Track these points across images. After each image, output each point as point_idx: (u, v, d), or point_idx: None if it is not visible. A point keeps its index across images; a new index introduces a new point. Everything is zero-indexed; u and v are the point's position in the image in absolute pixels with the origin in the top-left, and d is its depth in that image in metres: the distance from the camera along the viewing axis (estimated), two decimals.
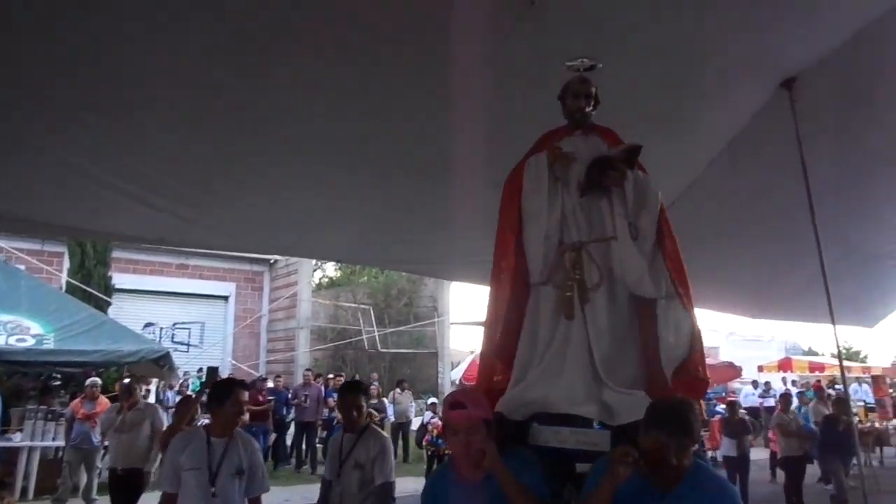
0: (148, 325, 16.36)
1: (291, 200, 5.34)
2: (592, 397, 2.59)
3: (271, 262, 19.71)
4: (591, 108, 3.09)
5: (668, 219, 2.98)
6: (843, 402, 8.95)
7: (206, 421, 4.08)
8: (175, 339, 16.93)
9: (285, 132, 4.64)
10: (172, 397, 12.34)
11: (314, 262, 19.17)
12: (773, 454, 11.57)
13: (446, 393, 12.24)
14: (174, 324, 17.62)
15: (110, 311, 13.10)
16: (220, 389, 3.57)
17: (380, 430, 3.89)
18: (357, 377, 16.11)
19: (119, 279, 15.59)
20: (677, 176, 6.16)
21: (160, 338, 15.99)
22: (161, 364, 8.07)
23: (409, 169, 5.28)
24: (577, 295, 2.73)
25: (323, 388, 13.40)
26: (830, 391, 13.20)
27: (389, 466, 3.67)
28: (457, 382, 18.09)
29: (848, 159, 6.67)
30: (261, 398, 12.11)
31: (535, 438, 2.40)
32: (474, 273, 7.39)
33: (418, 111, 4.69)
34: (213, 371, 4.73)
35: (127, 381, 8.05)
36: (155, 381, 11.59)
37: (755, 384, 17.57)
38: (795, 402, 12.88)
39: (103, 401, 8.88)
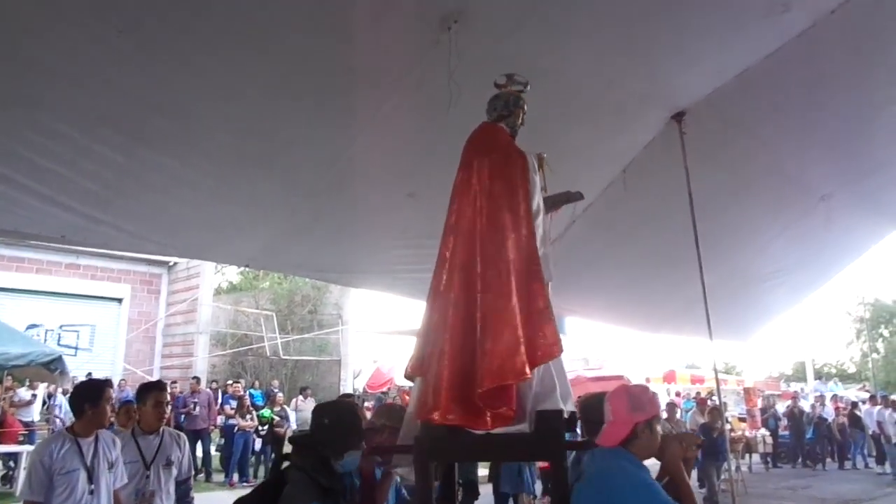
0: (32, 326, 15.40)
1: (201, 204, 5.31)
2: None
3: (170, 264, 18.98)
4: None
5: None
6: (717, 411, 9.69)
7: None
8: (62, 342, 15.94)
9: (195, 137, 4.63)
10: (64, 404, 11.58)
11: (216, 265, 18.66)
12: None
13: None
14: (61, 325, 16.65)
15: None
16: (91, 391, 3.48)
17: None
18: (257, 384, 15.85)
19: (0, 277, 14.66)
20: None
21: (45, 339, 15.07)
22: (52, 368, 7.67)
23: (319, 178, 5.38)
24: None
25: (221, 393, 13.06)
26: (710, 402, 14.17)
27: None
28: (360, 390, 18.08)
29: (731, 187, 7.31)
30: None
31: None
32: (386, 282, 7.52)
33: (329, 123, 4.82)
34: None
35: None
36: (43, 385, 10.94)
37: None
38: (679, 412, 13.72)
39: None
